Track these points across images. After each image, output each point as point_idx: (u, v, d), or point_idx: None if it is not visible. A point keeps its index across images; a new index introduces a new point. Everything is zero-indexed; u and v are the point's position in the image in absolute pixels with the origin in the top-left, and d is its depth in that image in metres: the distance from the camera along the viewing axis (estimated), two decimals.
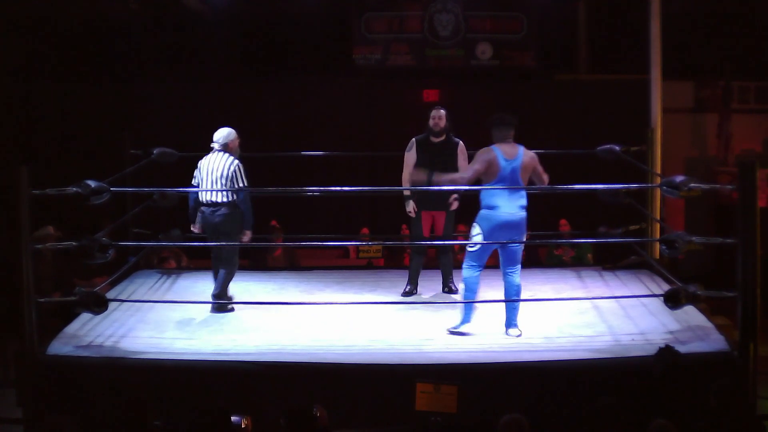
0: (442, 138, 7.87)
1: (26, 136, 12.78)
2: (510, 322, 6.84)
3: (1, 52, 12.42)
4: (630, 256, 8.97)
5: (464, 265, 6.86)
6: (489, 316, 7.21)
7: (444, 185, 6.97)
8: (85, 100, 12.80)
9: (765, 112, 13.36)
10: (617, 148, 8.67)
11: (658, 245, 8.19)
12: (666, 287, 7.08)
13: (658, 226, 8.99)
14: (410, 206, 7.91)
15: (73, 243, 6.52)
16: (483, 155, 6.69)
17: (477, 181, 6.80)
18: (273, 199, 11.24)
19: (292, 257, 11.50)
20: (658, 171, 9.16)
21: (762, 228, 6.13)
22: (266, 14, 13.01)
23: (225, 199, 7.50)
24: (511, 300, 6.86)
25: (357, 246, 10.84)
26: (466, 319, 6.87)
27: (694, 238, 6.41)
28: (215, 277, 7.66)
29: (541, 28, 12.97)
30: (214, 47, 12.99)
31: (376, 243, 10.65)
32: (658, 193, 8.80)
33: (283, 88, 13.07)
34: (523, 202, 6.76)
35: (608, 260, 9.32)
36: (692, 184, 6.48)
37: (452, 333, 6.84)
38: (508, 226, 6.70)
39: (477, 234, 6.75)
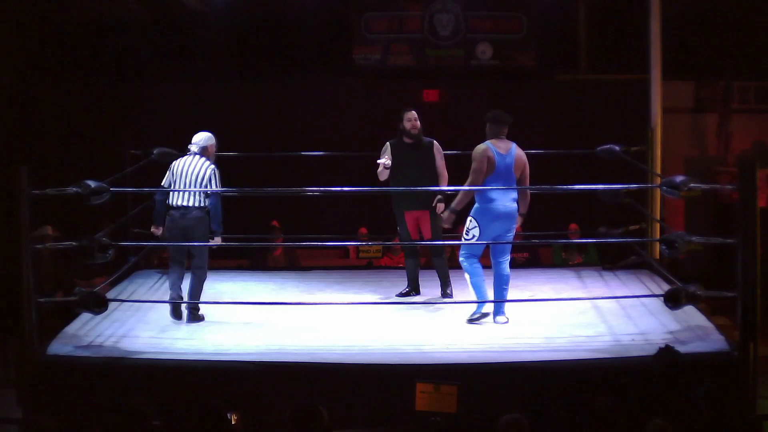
0: (416, 139, 7.87)
1: (26, 136, 12.77)
2: (498, 310, 7.13)
3: (1, 52, 12.41)
4: (630, 256, 8.97)
5: (461, 258, 7.14)
6: (488, 317, 7.21)
7: (462, 204, 7.10)
8: (85, 100, 12.79)
9: (765, 112, 13.35)
10: (617, 148, 8.69)
11: (658, 245, 8.20)
12: (666, 287, 7.08)
13: (658, 226, 8.99)
14: (383, 159, 7.85)
15: (73, 243, 6.52)
16: (479, 153, 7.00)
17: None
18: (273, 199, 11.25)
19: (292, 257, 11.50)
20: (658, 171, 9.16)
21: (762, 228, 6.13)
22: (266, 14, 12.99)
23: (197, 204, 7.27)
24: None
25: (357, 246, 10.84)
26: (481, 305, 7.09)
27: (694, 238, 6.41)
28: (173, 282, 7.36)
29: (541, 28, 12.96)
30: (214, 47, 12.98)
31: (376, 243, 10.65)
32: (658, 193, 8.80)
33: (283, 88, 13.06)
34: (515, 195, 7.09)
35: (609, 260, 9.31)
36: (692, 184, 6.49)
37: (470, 321, 7.10)
38: (503, 217, 7.02)
39: (474, 227, 7.03)
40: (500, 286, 7.11)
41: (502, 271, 7.10)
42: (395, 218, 8.06)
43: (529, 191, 7.20)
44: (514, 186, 7.04)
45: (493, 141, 7.03)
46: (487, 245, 7.16)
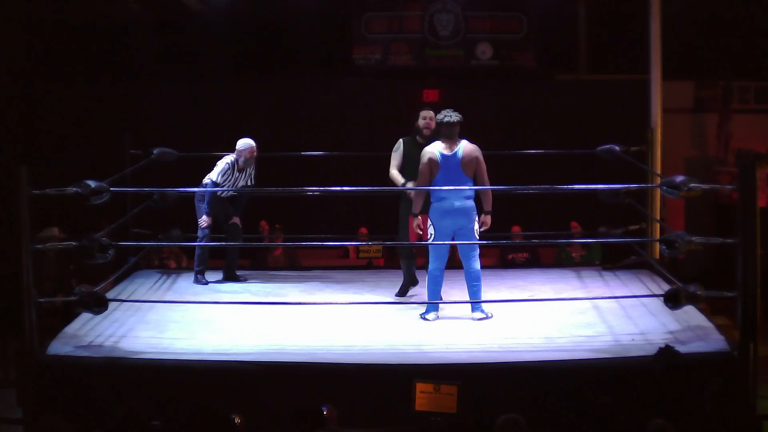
0: (427, 140, 7.82)
1: (26, 136, 12.78)
2: (475, 306, 7.26)
3: (1, 52, 12.42)
4: (630, 256, 8.97)
5: (429, 259, 7.37)
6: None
7: (418, 206, 7.31)
8: (85, 100, 12.80)
9: (765, 112, 13.36)
10: (617, 148, 8.69)
11: (658, 245, 8.20)
12: (666, 287, 7.07)
13: (658, 226, 8.99)
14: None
15: (73, 243, 6.52)
16: (424, 155, 7.21)
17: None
18: (273, 199, 11.26)
19: (292, 257, 11.51)
20: (658, 171, 9.15)
21: (762, 228, 6.13)
22: (266, 14, 13.02)
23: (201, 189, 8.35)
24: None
25: (357, 246, 10.84)
26: (431, 308, 7.30)
27: (694, 238, 6.41)
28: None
29: (541, 28, 12.97)
30: (214, 47, 13.00)
31: (376, 243, 10.64)
32: (658, 193, 8.80)
33: (283, 88, 13.07)
34: (468, 193, 7.18)
35: (609, 260, 9.32)
36: (692, 184, 6.48)
37: (422, 317, 7.26)
38: (454, 214, 7.16)
39: (430, 225, 7.26)
40: (470, 282, 7.27)
41: (470, 267, 7.26)
42: (399, 218, 7.96)
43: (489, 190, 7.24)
44: (469, 184, 7.13)
45: (441, 142, 7.19)
46: (454, 246, 7.33)
